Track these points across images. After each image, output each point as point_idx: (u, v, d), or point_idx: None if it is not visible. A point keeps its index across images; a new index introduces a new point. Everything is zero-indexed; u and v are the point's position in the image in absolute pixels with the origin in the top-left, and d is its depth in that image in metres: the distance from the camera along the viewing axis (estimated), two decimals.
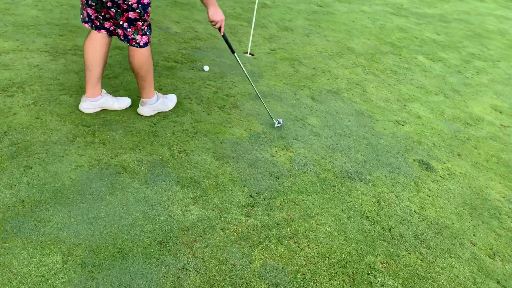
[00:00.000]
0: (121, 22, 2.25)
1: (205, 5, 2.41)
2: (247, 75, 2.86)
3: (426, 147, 3.02)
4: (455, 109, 3.73)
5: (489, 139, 3.33)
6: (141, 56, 2.40)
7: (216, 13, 2.41)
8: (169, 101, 2.74)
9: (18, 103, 2.49)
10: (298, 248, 1.91)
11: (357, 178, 2.51)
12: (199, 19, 4.49)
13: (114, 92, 2.82)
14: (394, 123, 3.27)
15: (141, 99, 2.60)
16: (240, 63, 2.80)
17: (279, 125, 2.82)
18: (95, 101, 2.53)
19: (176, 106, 2.82)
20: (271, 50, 4.15)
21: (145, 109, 2.61)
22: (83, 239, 1.73)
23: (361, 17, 5.88)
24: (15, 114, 2.39)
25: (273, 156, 2.53)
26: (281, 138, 2.74)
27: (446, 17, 6.89)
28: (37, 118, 2.39)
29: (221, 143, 2.54)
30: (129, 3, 2.16)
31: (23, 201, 1.84)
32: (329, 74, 3.89)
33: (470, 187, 2.67)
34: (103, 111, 2.59)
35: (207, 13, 2.42)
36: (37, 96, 2.59)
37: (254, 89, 2.87)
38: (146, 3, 2.23)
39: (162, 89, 2.99)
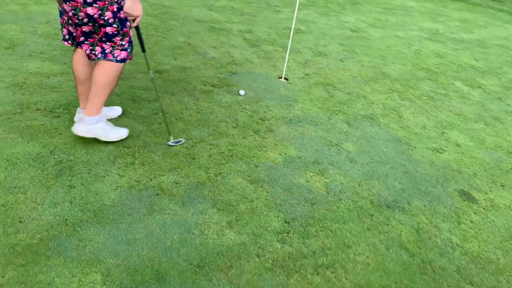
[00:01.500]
0: (99, 37, 2.22)
1: None
2: (155, 85, 2.71)
3: (467, 177, 2.92)
4: (497, 138, 3.60)
5: None
6: (110, 68, 2.29)
7: (136, 8, 2.17)
8: (112, 131, 2.47)
9: (64, 123, 2.60)
10: (335, 279, 1.87)
11: (395, 207, 2.44)
12: (235, 45, 4.59)
13: (154, 114, 2.90)
14: (433, 150, 3.18)
15: (83, 115, 2.39)
16: (148, 64, 2.56)
17: (175, 144, 2.59)
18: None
19: (213, 129, 2.86)
20: (306, 75, 4.18)
21: (79, 127, 2.36)
22: (122, 260, 1.75)
23: (396, 43, 5.85)
24: (60, 134, 2.50)
25: (308, 181, 2.52)
26: (316, 163, 2.72)
27: (484, 42, 6.75)
28: (81, 138, 2.48)
29: (256, 166, 2.55)
30: (106, 17, 2.11)
31: (66, 219, 1.89)
32: (364, 99, 3.86)
33: None
34: (144, 133, 2.66)
35: (123, 4, 2.16)
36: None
37: (159, 103, 2.75)
38: (123, 18, 2.18)
39: (200, 113, 3.05)
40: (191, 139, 2.71)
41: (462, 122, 3.78)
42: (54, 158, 2.28)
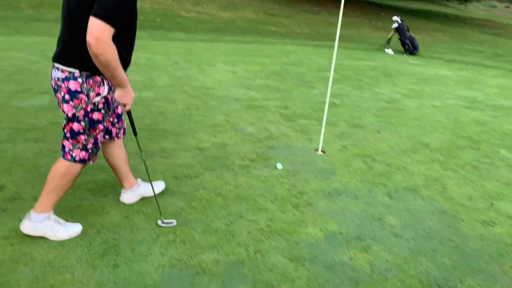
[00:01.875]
0: (64, 132, 2.18)
1: (112, 85, 2.14)
2: (146, 166, 2.72)
3: None
4: None
5: None
6: (64, 168, 2.21)
7: (125, 96, 2.12)
8: (61, 230, 2.30)
9: (110, 202, 2.72)
10: None
11: (446, 286, 2.29)
12: (272, 120, 4.76)
13: (195, 191, 2.98)
14: (482, 223, 3.02)
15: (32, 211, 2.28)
16: (140, 146, 2.51)
17: (165, 225, 2.53)
18: (134, 190, 2.72)
19: (251, 204, 2.89)
20: (343, 147, 4.21)
21: (25, 223, 2.26)
22: None
23: (433, 112, 5.84)
24: (107, 213, 2.61)
25: (351, 259, 2.43)
26: (358, 239, 2.64)
27: None
28: (126, 217, 2.58)
29: (296, 243, 2.52)
30: (77, 114, 2.10)
31: None
32: (404, 170, 3.81)
33: None
34: (185, 210, 2.72)
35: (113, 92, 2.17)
36: None
37: (150, 183, 2.73)
38: (94, 120, 2.15)
39: (238, 188, 3.11)
40: (230, 215, 2.74)
41: None
42: (101, 237, 2.36)
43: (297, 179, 3.38)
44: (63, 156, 2.22)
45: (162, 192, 2.91)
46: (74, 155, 2.20)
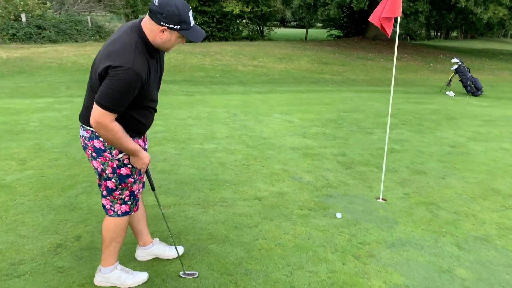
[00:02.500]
0: (101, 192, 2.33)
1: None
2: (166, 221, 2.64)
3: None
4: None
5: None
6: (113, 223, 2.35)
7: (137, 163, 2.23)
8: (128, 278, 2.45)
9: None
10: None
11: None
12: (329, 168, 4.75)
13: (255, 241, 3.03)
14: None
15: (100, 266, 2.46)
16: (159, 201, 2.56)
17: (187, 276, 2.54)
18: (147, 249, 2.72)
19: (311, 254, 2.87)
20: (405, 194, 4.08)
21: (96, 277, 2.45)
22: None
23: (503, 155, 5.51)
24: (172, 262, 2.71)
25: None
26: None
27: None
28: (189, 266, 2.67)
29: None
30: (106, 170, 2.22)
31: None
32: (474, 218, 3.59)
33: None
34: (245, 260, 2.76)
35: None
36: (190, 246, 2.93)
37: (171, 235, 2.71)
38: (123, 175, 2.25)
39: (297, 237, 3.11)
40: (290, 266, 2.73)
41: None
42: (166, 286, 2.45)
43: (358, 229, 3.31)
44: (107, 213, 2.35)
45: (222, 241, 2.98)
46: (116, 210, 2.33)
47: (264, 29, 30.17)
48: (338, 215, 3.51)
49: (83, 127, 2.22)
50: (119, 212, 2.34)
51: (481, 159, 5.32)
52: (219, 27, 24.96)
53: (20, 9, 17.85)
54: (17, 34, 17.37)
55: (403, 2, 18.66)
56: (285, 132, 6.30)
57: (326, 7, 20.49)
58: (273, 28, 31.19)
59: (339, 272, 2.68)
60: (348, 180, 4.40)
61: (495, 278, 2.70)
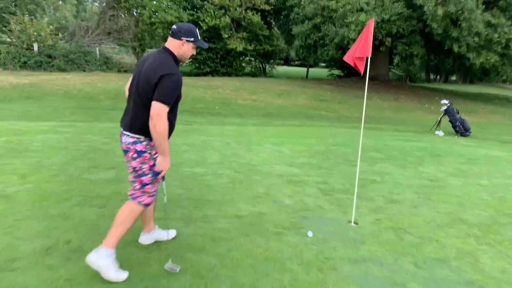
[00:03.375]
0: (135, 184, 2.90)
1: (157, 151, 2.80)
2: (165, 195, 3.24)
3: None
4: None
5: None
6: (132, 208, 2.89)
7: (163, 163, 2.81)
8: (112, 272, 2.77)
9: (154, 257, 3.13)
10: None
11: None
12: (310, 193, 5.06)
13: (229, 252, 3.31)
14: None
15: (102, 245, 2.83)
16: (165, 189, 3.15)
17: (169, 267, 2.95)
18: (151, 234, 3.33)
19: (278, 265, 3.14)
20: (376, 219, 4.37)
21: (91, 255, 2.78)
22: None
23: (477, 190, 5.81)
24: (150, 266, 3.00)
25: None
26: None
27: None
28: (166, 270, 2.95)
29: None
30: (143, 168, 2.84)
31: None
32: (436, 243, 3.87)
33: None
34: (217, 267, 3.04)
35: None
36: (168, 253, 3.21)
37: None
38: (156, 173, 2.89)
39: (268, 251, 3.39)
40: (257, 273, 3.01)
41: None
42: (142, 284, 2.73)
43: (326, 246, 3.59)
44: (132, 200, 2.91)
45: (199, 250, 3.27)
46: (142, 200, 2.92)
47: (267, 67, 31.17)
48: (310, 233, 3.80)
49: (128, 134, 2.85)
50: (143, 203, 2.92)
51: (456, 192, 5.62)
52: (222, 63, 25.90)
53: (33, 39, 18.74)
54: (28, 62, 18.16)
55: (399, 46, 19.52)
56: (273, 161, 6.65)
57: (325, 48, 21.35)
58: (275, 66, 32.20)
59: (301, 281, 2.95)
60: (325, 205, 4.70)
61: None
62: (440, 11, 16.01)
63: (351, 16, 17.16)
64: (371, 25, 4.10)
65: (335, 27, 19.01)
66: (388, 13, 17.25)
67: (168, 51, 2.86)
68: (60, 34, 21.47)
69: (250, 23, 24.05)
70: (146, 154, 2.83)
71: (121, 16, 22.67)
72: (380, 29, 17.97)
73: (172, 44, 2.86)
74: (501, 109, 20.04)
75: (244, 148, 7.40)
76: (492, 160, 8.28)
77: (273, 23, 29.74)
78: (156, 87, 2.67)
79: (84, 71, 19.22)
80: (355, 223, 4.23)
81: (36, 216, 3.74)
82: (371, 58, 4.24)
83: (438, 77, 48.83)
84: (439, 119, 11.78)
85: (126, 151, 2.87)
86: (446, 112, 11.34)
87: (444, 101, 11.43)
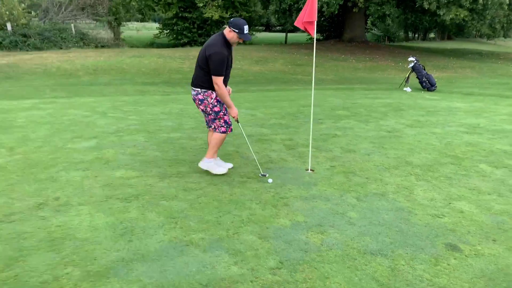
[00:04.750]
0: (209, 120, 4.31)
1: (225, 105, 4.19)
2: (246, 138, 4.74)
3: (459, 234, 3.29)
4: (507, 205, 3.89)
5: None
6: (217, 136, 4.32)
7: (232, 112, 4.19)
8: (217, 169, 4.42)
9: (132, 206, 3.66)
10: None
11: (378, 254, 2.94)
12: (275, 149, 5.61)
13: (198, 198, 3.85)
14: (432, 216, 3.62)
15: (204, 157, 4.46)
16: (243, 131, 4.67)
17: (264, 176, 4.42)
18: (209, 161, 4.46)
19: (239, 205, 3.71)
20: (331, 166, 4.95)
21: (202, 163, 4.46)
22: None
23: (429, 138, 6.42)
24: (129, 212, 3.53)
25: (307, 237, 3.16)
26: (319, 225, 3.36)
27: None
28: (142, 214, 3.49)
29: (267, 228, 3.28)
30: (207, 109, 4.18)
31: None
32: (380, 181, 4.47)
33: (495, 264, 2.85)
34: (188, 210, 3.59)
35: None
36: (145, 202, 3.75)
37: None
38: (217, 111, 4.18)
39: (233, 195, 3.95)
40: (221, 212, 3.57)
41: (474, 195, 4.14)
42: (123, 225, 3.27)
43: (282, 189, 4.16)
44: (215, 130, 4.31)
45: (172, 198, 3.81)
46: (219, 130, 4.28)
47: None
48: (270, 180, 4.36)
49: (193, 89, 4.21)
50: (220, 131, 4.27)
51: (408, 140, 6.23)
52: (200, 33, 25.83)
53: (6, 19, 18.51)
54: (3, 42, 18.02)
55: (371, 7, 19.76)
56: (245, 123, 7.15)
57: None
58: (253, 33, 32.12)
59: (257, 215, 3.53)
60: (287, 158, 5.26)
61: (375, 217, 3.56)
62: None
63: None
64: None
65: None
66: None
67: (222, 34, 4.02)
68: (33, 12, 21.15)
69: None
70: (205, 102, 4.15)
71: None
72: None
73: (226, 30, 4.01)
74: (472, 63, 20.67)
75: None
76: (451, 111, 8.90)
77: None
78: (207, 60, 3.91)
79: (61, 48, 19.15)
80: (311, 170, 4.80)
81: (27, 181, 4.22)
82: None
83: (416, 35, 49.13)
84: (406, 76, 12.32)
85: (194, 100, 4.26)
86: (413, 68, 11.87)
87: (411, 58, 11.93)
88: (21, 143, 5.50)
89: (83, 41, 20.64)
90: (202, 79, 4.07)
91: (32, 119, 6.95)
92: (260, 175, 4.44)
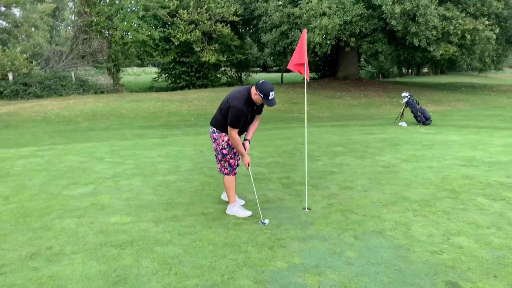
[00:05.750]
0: (218, 158, 4.52)
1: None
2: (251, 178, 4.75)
3: (459, 271, 3.22)
4: (506, 239, 3.83)
5: None
6: (224, 180, 4.56)
7: (244, 159, 4.40)
8: (241, 212, 4.51)
9: (127, 252, 3.60)
10: None
11: None
12: (272, 188, 5.59)
13: (192, 242, 3.80)
14: (431, 252, 3.56)
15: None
16: (252, 177, 4.75)
17: (263, 223, 4.25)
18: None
19: (235, 248, 3.65)
20: (328, 204, 4.91)
21: (227, 209, 4.59)
22: None
23: (425, 172, 6.41)
24: (123, 259, 3.47)
25: (304, 280, 3.09)
26: (316, 267, 3.30)
27: None
28: (136, 261, 3.43)
29: (263, 272, 3.22)
30: (217, 149, 4.42)
31: None
32: (377, 218, 4.42)
33: None
34: (183, 255, 3.53)
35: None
36: (139, 248, 3.69)
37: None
38: (224, 153, 4.41)
39: (228, 238, 3.90)
40: (216, 256, 3.51)
41: (473, 229, 4.09)
42: (116, 274, 3.21)
43: (279, 230, 4.11)
44: (220, 172, 4.58)
45: (166, 244, 3.75)
46: (223, 171, 4.53)
47: (243, 75, 31.77)
48: (266, 221, 4.32)
49: (211, 127, 4.45)
50: (224, 172, 4.51)
51: (405, 175, 6.22)
52: (198, 76, 26.40)
53: (7, 69, 18.97)
54: (4, 92, 18.37)
55: (363, 45, 20.33)
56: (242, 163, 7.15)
57: None
58: (251, 74, 32.82)
59: (253, 258, 3.46)
60: (284, 196, 5.23)
61: (373, 256, 3.50)
62: (397, 9, 16.86)
63: (315, 21, 17.89)
64: (304, 34, 4.68)
65: (301, 32, 19.72)
66: (349, 15, 18.03)
67: (248, 91, 4.17)
68: (34, 61, 21.72)
69: (221, 35, 24.63)
70: (217, 142, 4.40)
71: (93, 39, 23.00)
72: (344, 30, 18.74)
73: (252, 90, 4.14)
74: (465, 96, 20.99)
75: None
76: (447, 144, 8.94)
77: (244, 32, 30.44)
78: (227, 108, 4.12)
79: (61, 95, 19.49)
80: (308, 208, 4.77)
81: (20, 230, 4.17)
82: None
83: (410, 70, 50.17)
84: (401, 111, 12.47)
85: (210, 137, 4.47)
86: (407, 103, 12.04)
87: (404, 94, 12.13)
88: (16, 192, 5.49)
89: (83, 87, 21.04)
90: (219, 122, 4.32)
91: (29, 166, 6.96)
92: (259, 222, 4.28)
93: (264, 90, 4.04)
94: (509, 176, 6.03)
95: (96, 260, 3.47)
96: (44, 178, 6.19)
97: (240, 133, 4.32)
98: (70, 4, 30.06)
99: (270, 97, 4.08)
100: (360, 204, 4.90)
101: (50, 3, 28.10)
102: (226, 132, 4.28)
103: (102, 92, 21.48)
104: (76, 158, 7.68)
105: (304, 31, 4.74)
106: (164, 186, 5.74)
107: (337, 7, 18.12)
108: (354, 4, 18.29)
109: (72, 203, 5.03)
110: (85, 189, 5.64)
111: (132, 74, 31.17)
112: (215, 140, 4.40)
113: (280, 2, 22.31)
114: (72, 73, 21.59)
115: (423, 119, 11.96)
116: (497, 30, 18.22)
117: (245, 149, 4.39)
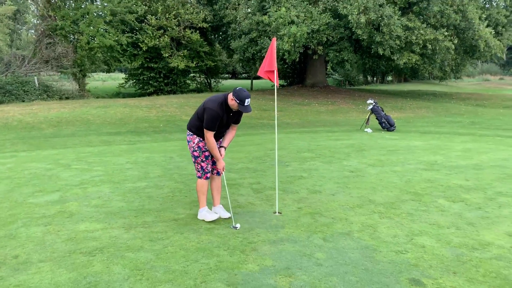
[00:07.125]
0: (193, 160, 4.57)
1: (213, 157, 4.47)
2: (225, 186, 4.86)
3: (422, 269, 3.39)
4: (465, 238, 4.06)
5: (493, 259, 3.57)
6: (197, 182, 4.58)
7: (219, 164, 4.46)
8: (208, 215, 4.52)
9: (97, 259, 3.56)
10: None
11: None
12: (243, 193, 5.65)
13: (164, 247, 3.80)
14: (396, 252, 3.72)
15: None
16: (224, 181, 4.79)
17: (235, 227, 4.32)
18: (215, 207, 4.71)
19: (207, 253, 3.68)
20: (298, 208, 5.02)
21: (198, 214, 4.63)
22: None
23: (390, 176, 6.67)
24: (93, 266, 3.43)
25: (275, 281, 3.16)
26: (287, 268, 3.38)
27: (480, 165, 7.38)
28: (107, 267, 3.40)
29: (235, 274, 3.27)
30: (190, 151, 4.48)
31: None
32: (345, 221, 4.57)
33: None
34: (155, 261, 3.53)
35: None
36: (110, 255, 3.66)
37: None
38: (195, 155, 4.44)
39: (200, 243, 3.92)
40: (188, 261, 3.53)
41: (434, 229, 4.31)
42: (86, 281, 3.17)
43: (251, 234, 4.17)
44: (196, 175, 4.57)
45: (137, 250, 3.74)
46: (196, 174, 4.53)
47: (212, 82, 31.77)
48: (237, 226, 4.37)
49: (187, 131, 4.54)
50: (197, 175, 4.53)
51: (371, 179, 6.44)
52: (166, 82, 26.19)
53: None
54: None
55: (330, 53, 20.83)
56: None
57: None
58: (220, 80, 32.86)
59: (225, 262, 3.51)
60: (255, 201, 5.30)
61: (341, 257, 3.63)
62: (362, 19, 17.44)
63: (284, 29, 18.20)
64: (274, 42, 4.81)
65: (270, 40, 20.00)
66: (317, 24, 18.48)
67: (225, 96, 4.24)
68: None
69: (190, 41, 24.60)
70: (190, 144, 4.46)
71: (58, 43, 22.38)
72: (312, 39, 19.17)
73: (229, 96, 4.21)
74: (427, 104, 21.89)
75: (186, 161, 7.88)
76: (410, 149, 9.31)
77: (214, 39, 30.50)
78: (203, 110, 4.20)
79: (24, 101, 18.83)
80: (279, 212, 4.86)
81: None
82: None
83: (375, 78, 51.72)
84: (366, 117, 12.88)
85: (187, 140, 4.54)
86: (373, 110, 12.44)
87: (370, 101, 12.54)
88: None
89: (47, 93, 20.42)
90: (193, 124, 4.41)
91: None
92: (231, 227, 4.34)
93: (240, 97, 4.10)
94: (468, 179, 6.36)
95: (65, 267, 3.41)
96: (7, 186, 5.99)
97: (216, 138, 4.38)
98: (32, 7, 29.13)
99: (246, 103, 4.13)
100: (328, 207, 5.04)
101: (10, 5, 27.10)
102: (198, 135, 4.37)
103: (67, 98, 20.92)
104: (41, 166, 7.47)
105: (274, 39, 4.87)
106: (134, 192, 5.69)
107: (305, 16, 18.53)
108: (321, 13, 18.77)
109: (38, 211, 4.91)
110: (51, 196, 5.51)
111: (99, 80, 30.51)
112: (188, 142, 4.50)
113: (249, 10, 22.54)
114: (35, 78, 20.92)
115: (387, 125, 12.38)
116: (455, 41, 19.17)
117: (220, 155, 4.42)
